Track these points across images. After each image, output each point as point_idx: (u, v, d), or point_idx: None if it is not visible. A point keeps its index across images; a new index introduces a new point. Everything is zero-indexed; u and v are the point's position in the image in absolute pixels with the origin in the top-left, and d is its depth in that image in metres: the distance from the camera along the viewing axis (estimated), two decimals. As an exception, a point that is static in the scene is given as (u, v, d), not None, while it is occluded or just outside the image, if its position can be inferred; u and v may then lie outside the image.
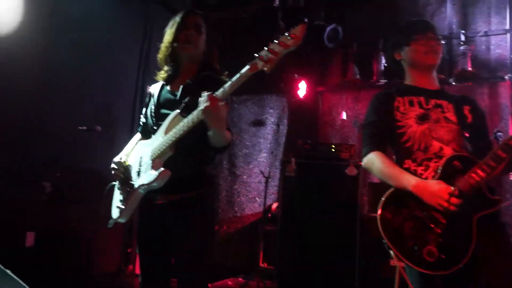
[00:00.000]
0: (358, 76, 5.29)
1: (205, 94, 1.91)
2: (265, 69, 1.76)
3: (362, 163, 2.21)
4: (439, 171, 1.96)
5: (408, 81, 2.29)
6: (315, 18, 5.17)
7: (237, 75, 1.86)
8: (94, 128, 4.02)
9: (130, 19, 5.01)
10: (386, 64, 5.08)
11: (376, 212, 1.98)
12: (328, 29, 5.16)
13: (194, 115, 1.98)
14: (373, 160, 2.10)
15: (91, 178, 4.31)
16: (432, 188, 1.88)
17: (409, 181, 1.95)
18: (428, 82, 2.23)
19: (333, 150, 4.52)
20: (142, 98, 5.06)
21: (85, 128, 3.98)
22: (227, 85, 1.91)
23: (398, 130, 2.12)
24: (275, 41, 1.72)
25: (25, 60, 3.76)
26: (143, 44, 5.15)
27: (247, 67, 1.82)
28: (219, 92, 1.93)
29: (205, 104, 1.90)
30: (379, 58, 5.14)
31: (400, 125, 2.13)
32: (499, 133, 3.47)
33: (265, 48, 1.74)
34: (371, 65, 5.23)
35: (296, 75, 5.58)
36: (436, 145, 2.05)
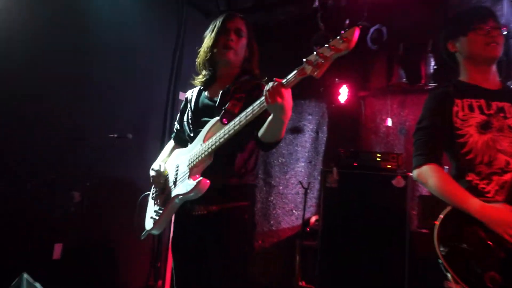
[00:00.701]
0: (404, 79, 5.21)
1: (270, 84, 1.87)
2: (314, 74, 1.74)
3: (413, 175, 2.14)
4: (503, 187, 1.89)
5: (464, 77, 2.17)
6: (357, 19, 5.13)
7: (284, 81, 1.85)
8: (125, 135, 4.10)
9: (162, 23, 5.13)
10: (435, 67, 4.98)
11: (426, 228, 1.92)
12: (371, 30, 5.11)
13: (234, 125, 1.99)
14: (428, 174, 2.03)
15: (121, 188, 4.40)
16: (498, 215, 1.81)
17: (471, 204, 1.87)
18: (487, 78, 2.12)
19: (378, 159, 4.45)
20: (174, 104, 5.14)
21: (116, 135, 4.07)
22: (290, 76, 1.85)
23: (458, 140, 2.05)
24: (325, 45, 1.70)
25: (59, 66, 3.89)
26: (176, 49, 5.24)
27: (294, 72, 1.81)
28: (288, 79, 1.85)
29: (270, 99, 1.83)
30: (428, 60, 5.04)
31: (460, 133, 2.05)
32: None
33: (314, 53, 1.73)
34: (418, 68, 5.13)
35: (337, 79, 5.55)
36: (501, 158, 1.98)
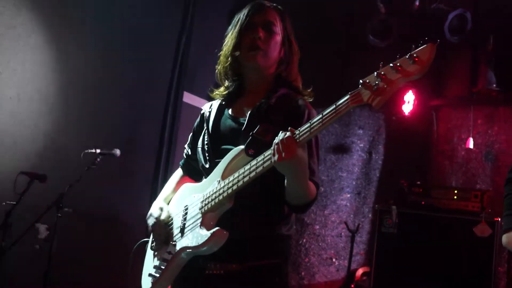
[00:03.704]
0: (494, 85, 5.19)
1: (281, 135, 1.94)
2: (373, 103, 1.75)
3: (502, 240, 2.18)
4: None
5: None
6: (432, 0, 5.15)
7: (331, 108, 1.86)
8: (111, 151, 4.17)
9: (164, 4, 5.17)
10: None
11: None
12: (451, 16, 5.11)
13: (263, 160, 2.03)
14: None
15: (104, 222, 4.46)
16: None
17: None
18: None
19: (455, 197, 4.44)
20: (176, 109, 5.20)
21: (98, 151, 4.12)
22: (315, 121, 1.90)
23: None
24: (390, 64, 1.72)
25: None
26: (181, 34, 5.29)
27: (346, 97, 1.82)
28: (301, 133, 1.93)
29: (277, 156, 1.92)
30: (528, 59, 5.03)
31: None
32: None
33: (375, 73, 1.74)
34: (515, 70, 5.13)
35: (400, 81, 5.57)
36: None
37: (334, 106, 1.85)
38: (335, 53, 6.00)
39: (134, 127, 4.93)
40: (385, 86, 1.71)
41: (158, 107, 5.21)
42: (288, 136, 1.92)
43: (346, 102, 1.81)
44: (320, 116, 1.88)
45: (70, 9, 4.36)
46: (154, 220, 2.39)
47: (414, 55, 1.66)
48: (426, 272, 4.37)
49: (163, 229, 2.37)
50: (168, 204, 2.51)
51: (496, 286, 4.32)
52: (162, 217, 2.39)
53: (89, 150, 4.11)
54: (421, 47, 1.67)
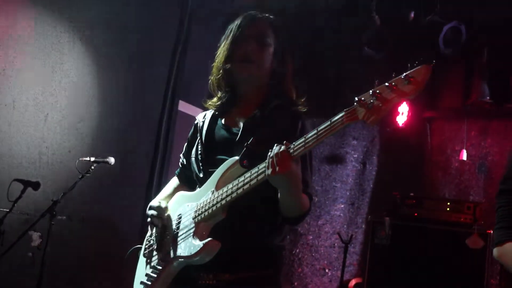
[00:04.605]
0: (488, 97, 5.22)
1: (276, 148, 1.97)
2: (368, 121, 1.78)
3: (493, 253, 2.20)
4: None
5: None
6: (426, 12, 5.18)
7: (326, 124, 1.89)
8: (105, 159, 4.18)
9: (161, 10, 5.18)
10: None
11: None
12: (445, 28, 5.15)
13: (257, 173, 2.05)
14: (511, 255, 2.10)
15: (98, 231, 4.47)
16: None
17: None
18: None
19: (448, 209, 4.46)
20: (171, 118, 5.21)
21: (92, 159, 4.13)
22: (310, 136, 1.93)
23: None
24: (385, 83, 1.74)
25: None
26: (177, 42, 5.31)
27: (341, 114, 1.85)
28: (296, 147, 1.95)
29: (271, 169, 1.95)
30: (522, 72, 5.07)
31: None
32: None
33: (370, 91, 1.77)
34: (508, 83, 5.15)
35: (394, 93, 5.59)
36: None
37: (329, 122, 1.88)
38: (329, 64, 6.02)
39: (129, 136, 4.94)
40: (380, 105, 1.74)
41: (153, 116, 5.23)
42: (283, 151, 1.94)
43: (341, 119, 1.84)
44: (315, 131, 1.90)
45: (65, 17, 4.37)
46: (155, 211, 2.40)
47: (410, 75, 1.69)
48: (418, 283, 4.38)
49: (163, 222, 2.37)
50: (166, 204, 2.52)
51: (489, 299, 4.33)
52: (163, 208, 2.41)
53: (84, 158, 4.12)
54: (416, 68, 1.70)
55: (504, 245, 2.12)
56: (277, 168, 1.93)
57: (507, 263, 2.11)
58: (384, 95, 1.74)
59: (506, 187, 2.19)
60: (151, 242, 2.46)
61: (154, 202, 2.47)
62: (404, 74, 1.70)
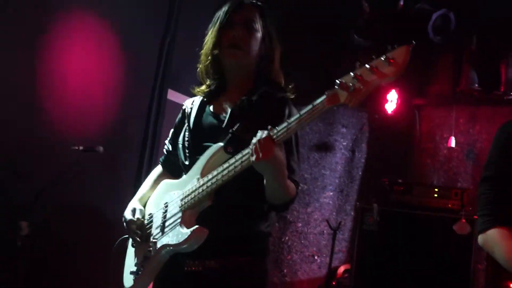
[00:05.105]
0: (476, 85, 5.24)
1: (259, 134, 1.97)
2: (349, 104, 1.79)
3: (478, 241, 2.20)
4: None
5: None
6: (416, 0, 5.19)
7: (308, 108, 1.91)
8: (94, 148, 4.17)
9: (150, 1, 5.16)
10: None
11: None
12: (434, 16, 5.15)
13: (241, 159, 2.06)
14: (494, 242, 2.09)
15: (87, 219, 4.45)
16: None
17: None
18: None
19: (436, 195, 4.49)
20: (160, 107, 5.19)
21: (81, 148, 4.12)
22: (292, 120, 1.94)
23: None
24: (366, 65, 1.75)
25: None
26: (166, 31, 5.28)
27: (323, 97, 1.87)
28: (279, 132, 1.96)
29: (255, 156, 1.95)
30: (510, 60, 5.08)
31: None
32: None
33: (351, 74, 1.78)
34: (497, 70, 5.17)
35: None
36: None
37: (311, 106, 1.90)
38: (321, 53, 6.01)
39: (118, 124, 4.91)
40: (361, 87, 1.76)
41: (142, 105, 5.19)
42: (266, 136, 1.95)
43: (322, 102, 1.86)
44: (298, 115, 1.92)
45: (54, 7, 4.34)
46: (127, 222, 2.41)
47: (390, 56, 1.70)
48: (406, 269, 4.41)
49: (137, 230, 2.38)
50: (145, 202, 2.53)
51: (475, 283, 4.36)
52: (136, 217, 2.41)
53: (73, 147, 4.11)
54: (397, 49, 1.71)
55: (487, 232, 2.13)
56: (260, 154, 1.93)
57: (491, 250, 2.13)
58: (365, 77, 1.76)
59: (488, 173, 2.21)
60: (139, 232, 2.46)
61: (128, 210, 2.47)
62: (385, 55, 1.71)
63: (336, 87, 1.82)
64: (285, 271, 5.92)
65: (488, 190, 2.18)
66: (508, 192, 2.15)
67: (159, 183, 2.54)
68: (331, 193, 5.92)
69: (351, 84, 1.77)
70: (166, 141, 2.69)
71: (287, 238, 5.97)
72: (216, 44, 2.40)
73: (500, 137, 2.25)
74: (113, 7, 4.75)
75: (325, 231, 5.79)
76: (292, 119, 1.94)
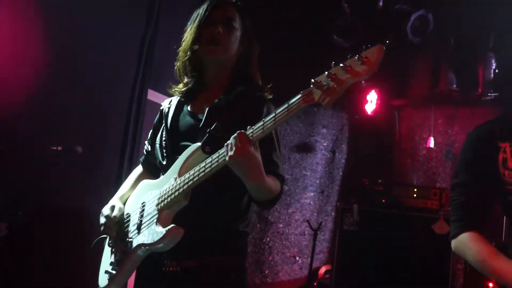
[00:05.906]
0: (455, 86, 5.29)
1: (235, 134, 1.97)
2: (323, 102, 1.80)
3: (451, 246, 2.22)
4: None
5: None
6: (394, 0, 5.21)
7: (283, 107, 1.91)
8: (73, 148, 4.15)
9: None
10: (497, 70, 5.06)
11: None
12: (413, 17, 5.18)
13: (218, 158, 2.05)
14: (466, 246, 2.12)
15: (66, 220, 4.42)
16: None
17: None
18: None
19: (415, 195, 4.52)
20: (140, 107, 5.18)
21: (59, 148, 4.10)
22: (268, 119, 1.95)
23: (511, 197, 2.13)
24: (340, 64, 1.77)
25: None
26: (145, 37, 5.26)
27: (298, 96, 1.87)
28: (255, 130, 1.97)
29: (230, 153, 1.95)
30: (487, 61, 5.12)
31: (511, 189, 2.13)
32: None
33: (326, 73, 1.79)
34: (475, 71, 5.22)
35: (363, 81, 5.62)
36: None
37: (286, 105, 1.90)
38: (301, 53, 6.03)
39: (98, 125, 4.89)
40: (335, 86, 1.77)
41: (122, 105, 5.17)
42: (241, 133, 1.95)
43: (297, 101, 1.86)
44: (273, 114, 1.92)
45: (35, 4, 4.31)
46: (104, 218, 2.39)
47: (363, 56, 1.72)
48: (386, 268, 4.44)
49: (114, 227, 2.37)
50: (125, 201, 2.51)
51: (455, 283, 4.39)
52: (113, 215, 2.40)
53: (51, 147, 4.09)
54: (370, 48, 1.73)
55: (458, 237, 2.16)
56: (234, 150, 1.94)
57: (463, 254, 2.16)
58: (339, 76, 1.77)
59: (456, 180, 2.24)
60: (115, 229, 2.45)
61: (106, 208, 2.46)
62: (358, 55, 1.73)
63: (311, 86, 1.83)
64: (266, 272, 5.91)
65: (458, 196, 2.21)
66: (478, 197, 2.18)
67: (138, 183, 2.53)
68: (312, 194, 5.93)
69: (325, 83, 1.79)
70: (146, 141, 2.68)
71: (268, 239, 5.96)
72: (196, 41, 2.40)
73: (468, 143, 2.28)
74: (92, 6, 4.72)
75: (306, 232, 5.80)
76: (268, 118, 1.94)
